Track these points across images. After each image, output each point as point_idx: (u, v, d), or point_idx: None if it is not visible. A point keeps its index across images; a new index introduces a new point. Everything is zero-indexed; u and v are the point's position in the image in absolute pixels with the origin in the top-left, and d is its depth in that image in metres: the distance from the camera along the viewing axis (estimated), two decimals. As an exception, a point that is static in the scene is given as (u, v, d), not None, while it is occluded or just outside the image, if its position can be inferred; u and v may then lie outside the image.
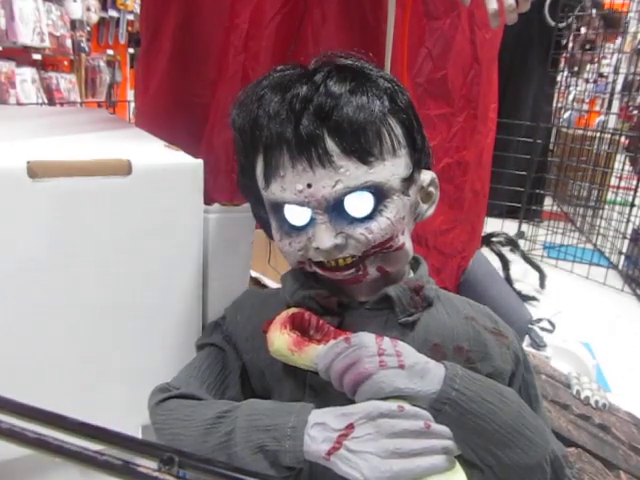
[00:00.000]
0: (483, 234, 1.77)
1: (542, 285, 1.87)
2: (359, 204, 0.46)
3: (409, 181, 0.48)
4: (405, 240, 0.49)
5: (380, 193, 0.46)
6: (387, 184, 0.46)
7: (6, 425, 0.19)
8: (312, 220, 0.47)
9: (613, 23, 2.43)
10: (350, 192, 0.45)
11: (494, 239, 1.82)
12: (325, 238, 0.46)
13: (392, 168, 0.46)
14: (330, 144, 0.44)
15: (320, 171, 0.45)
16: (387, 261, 0.49)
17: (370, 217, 0.46)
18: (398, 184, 0.47)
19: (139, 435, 0.63)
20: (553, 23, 1.29)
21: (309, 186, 0.45)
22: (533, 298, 1.75)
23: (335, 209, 0.46)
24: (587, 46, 2.48)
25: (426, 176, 0.51)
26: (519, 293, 1.65)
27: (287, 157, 0.45)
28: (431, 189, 0.52)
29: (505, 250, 1.82)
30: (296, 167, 0.45)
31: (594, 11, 2.36)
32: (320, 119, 0.44)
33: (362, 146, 0.45)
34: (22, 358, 0.56)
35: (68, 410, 0.23)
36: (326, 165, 0.44)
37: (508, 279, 1.73)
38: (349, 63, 0.49)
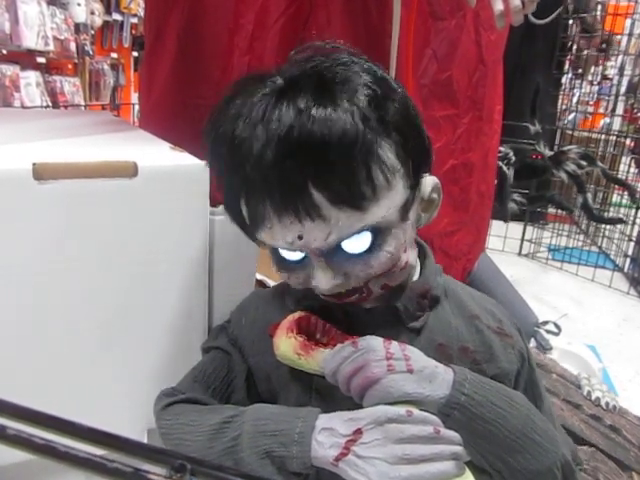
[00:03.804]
0: (554, 151, 1.75)
1: (634, 201, 1.84)
2: (356, 243, 0.43)
3: (408, 204, 0.44)
4: (408, 256, 0.47)
5: (377, 230, 0.43)
6: (384, 221, 0.42)
7: (12, 431, 0.18)
8: (309, 258, 0.44)
9: (589, 28, 2.44)
10: (345, 239, 0.42)
11: (565, 156, 1.74)
12: (324, 281, 0.44)
13: (388, 202, 0.42)
14: (317, 196, 0.39)
15: (309, 224, 0.40)
16: (391, 278, 0.47)
17: (369, 251, 0.43)
18: (396, 215, 0.43)
19: (145, 439, 0.63)
20: (535, 20, 1.29)
21: (300, 238, 0.42)
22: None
23: (330, 252, 0.43)
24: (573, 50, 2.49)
25: (427, 187, 0.47)
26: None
27: (271, 210, 0.41)
28: (434, 196, 0.48)
29: (581, 171, 1.75)
30: (283, 220, 0.41)
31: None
32: (304, 168, 0.39)
33: (352, 194, 0.40)
34: (26, 361, 0.56)
35: (72, 414, 0.23)
36: (315, 218, 0.40)
37: (586, 204, 1.72)
38: (326, 71, 0.41)
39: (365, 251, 0.43)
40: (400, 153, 0.42)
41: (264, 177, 0.40)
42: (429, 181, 0.47)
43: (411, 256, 0.48)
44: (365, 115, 0.40)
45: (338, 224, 0.41)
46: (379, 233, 0.42)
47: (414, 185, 0.44)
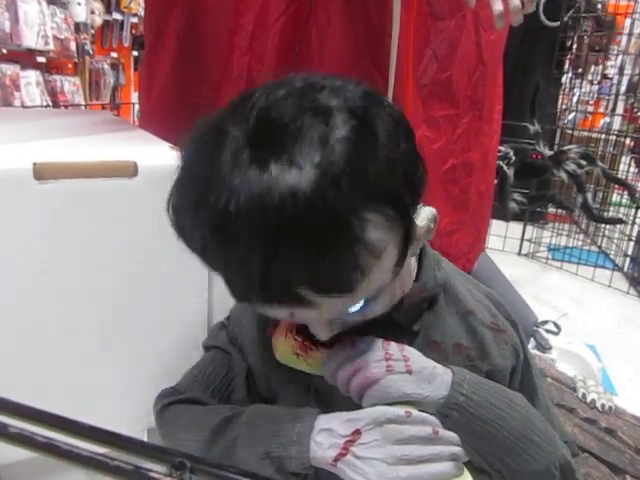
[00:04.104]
0: (553, 151, 1.75)
1: (634, 201, 1.86)
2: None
3: (402, 260, 0.40)
4: (404, 288, 0.46)
5: (371, 295, 0.41)
6: (377, 288, 0.40)
7: (15, 429, 0.18)
8: None
9: (606, 25, 2.44)
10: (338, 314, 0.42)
11: (565, 156, 1.74)
12: (323, 335, 0.43)
13: (379, 274, 0.38)
14: (302, 291, 0.36)
15: (299, 309, 0.38)
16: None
17: (365, 306, 0.42)
18: (389, 274, 0.40)
19: (145, 439, 0.63)
20: (548, 22, 1.29)
21: (292, 315, 0.40)
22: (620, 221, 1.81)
23: None
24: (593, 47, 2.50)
25: (422, 222, 0.43)
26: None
27: (256, 301, 0.38)
28: (430, 226, 0.44)
29: (580, 170, 1.76)
30: (271, 305, 0.38)
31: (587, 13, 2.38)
32: (285, 269, 0.34)
33: (340, 283, 0.36)
34: (26, 361, 0.56)
35: (72, 414, 0.23)
36: (304, 306, 0.37)
37: (586, 203, 1.73)
38: (297, 130, 0.34)
39: (361, 307, 0.42)
40: (390, 219, 0.36)
41: (244, 279, 0.36)
42: (424, 214, 0.43)
43: (407, 285, 0.47)
44: (345, 194, 0.33)
45: (329, 307, 0.39)
46: (372, 294, 0.41)
47: (408, 238, 0.39)
